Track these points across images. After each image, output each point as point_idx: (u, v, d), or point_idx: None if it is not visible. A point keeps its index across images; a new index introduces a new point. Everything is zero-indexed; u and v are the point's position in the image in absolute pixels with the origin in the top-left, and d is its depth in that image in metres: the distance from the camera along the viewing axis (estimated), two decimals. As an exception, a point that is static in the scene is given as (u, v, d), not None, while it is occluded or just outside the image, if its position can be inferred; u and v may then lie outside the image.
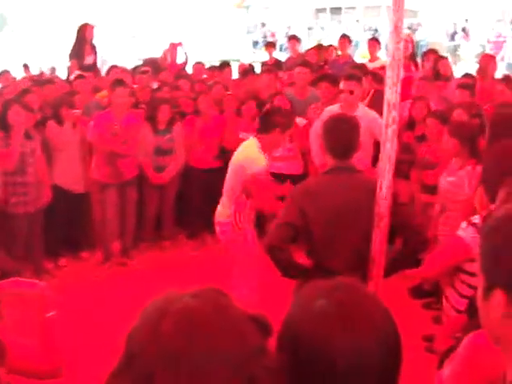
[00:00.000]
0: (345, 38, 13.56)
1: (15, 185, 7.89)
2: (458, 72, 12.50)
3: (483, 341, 2.40)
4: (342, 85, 7.75)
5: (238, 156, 6.60)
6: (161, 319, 1.56)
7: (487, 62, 10.65)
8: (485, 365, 2.44)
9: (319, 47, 13.91)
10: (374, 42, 13.15)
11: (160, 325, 1.55)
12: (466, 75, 10.46)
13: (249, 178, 6.40)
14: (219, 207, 6.81)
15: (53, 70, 14.62)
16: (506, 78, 9.67)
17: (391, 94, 4.47)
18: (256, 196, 6.50)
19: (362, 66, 10.34)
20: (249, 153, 6.47)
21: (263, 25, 42.58)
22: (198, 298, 1.62)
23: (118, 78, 9.56)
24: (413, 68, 11.72)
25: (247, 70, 11.90)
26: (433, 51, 12.51)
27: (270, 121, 6.50)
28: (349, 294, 1.86)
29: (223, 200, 6.77)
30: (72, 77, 11.00)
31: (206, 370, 1.50)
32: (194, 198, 9.59)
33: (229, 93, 10.23)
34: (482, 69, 10.56)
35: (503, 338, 1.67)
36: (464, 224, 4.23)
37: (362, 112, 7.53)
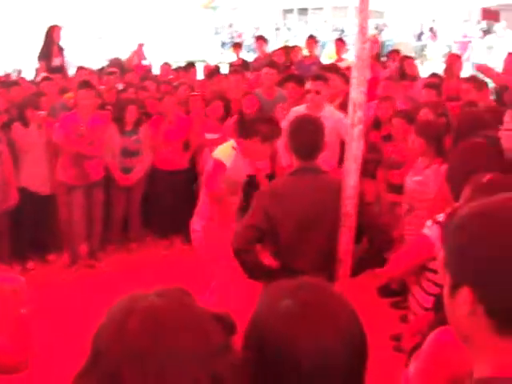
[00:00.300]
0: (312, 39, 13.60)
1: (-19, 187, 7.83)
2: (424, 72, 12.57)
3: (448, 337, 2.41)
4: (308, 85, 7.76)
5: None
6: (126, 318, 1.57)
7: (453, 61, 10.75)
8: (449, 361, 2.45)
9: (285, 48, 13.90)
10: (341, 42, 13.19)
11: (126, 323, 1.56)
12: (433, 75, 10.54)
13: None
14: (195, 214, 6.74)
15: (19, 72, 14.52)
16: (471, 78, 9.74)
17: (357, 93, 4.50)
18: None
19: (334, 67, 10.29)
20: (222, 153, 6.39)
21: (230, 25, 42.53)
22: (163, 297, 1.64)
23: (85, 79, 9.52)
24: (378, 68, 11.77)
25: (214, 71, 11.86)
26: (397, 51, 12.63)
27: (251, 127, 6.32)
28: (314, 293, 1.86)
29: (198, 206, 6.70)
30: (38, 78, 10.93)
31: (172, 367, 1.52)
32: (160, 200, 9.56)
33: (194, 93, 10.20)
34: (448, 68, 10.64)
35: (470, 335, 1.68)
36: (429, 222, 4.25)
37: (328, 112, 7.56)
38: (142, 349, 1.52)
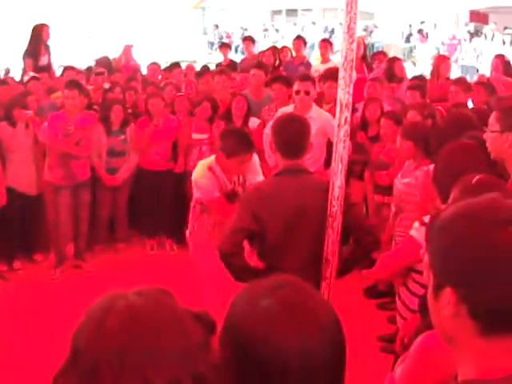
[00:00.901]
0: (300, 40, 13.52)
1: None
2: (415, 74, 12.62)
3: (435, 341, 2.41)
4: (296, 86, 7.73)
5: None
6: (105, 316, 1.58)
7: (440, 62, 10.76)
8: (436, 365, 2.45)
9: (274, 49, 13.86)
10: (326, 43, 13.07)
11: (105, 322, 1.57)
12: (417, 77, 10.58)
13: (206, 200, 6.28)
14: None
15: (7, 71, 14.44)
16: (459, 80, 9.76)
17: (343, 94, 4.49)
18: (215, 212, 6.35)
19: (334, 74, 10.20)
20: (196, 171, 6.38)
21: (216, 26, 42.38)
22: (142, 296, 1.64)
23: (72, 79, 9.49)
24: (365, 69, 11.76)
25: (201, 71, 11.80)
26: (383, 53, 12.63)
27: (220, 141, 6.26)
28: (292, 292, 1.84)
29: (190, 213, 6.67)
30: (26, 78, 10.88)
31: (150, 366, 1.52)
32: (146, 200, 9.56)
33: (180, 94, 10.16)
34: (435, 69, 10.67)
35: (454, 337, 1.68)
36: (416, 224, 4.25)
37: (316, 113, 7.55)
38: (120, 347, 1.52)
